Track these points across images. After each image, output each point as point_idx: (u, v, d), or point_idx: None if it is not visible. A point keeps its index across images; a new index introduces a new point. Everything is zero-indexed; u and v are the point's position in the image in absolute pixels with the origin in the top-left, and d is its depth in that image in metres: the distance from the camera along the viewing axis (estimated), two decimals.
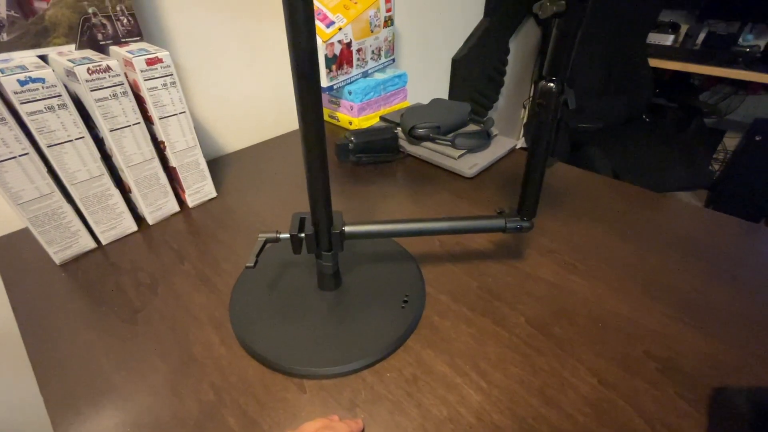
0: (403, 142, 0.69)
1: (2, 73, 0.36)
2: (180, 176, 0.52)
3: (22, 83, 0.36)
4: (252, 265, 0.34)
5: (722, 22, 1.64)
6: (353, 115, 0.77)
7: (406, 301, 0.39)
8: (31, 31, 0.42)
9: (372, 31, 0.76)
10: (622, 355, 0.35)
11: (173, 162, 0.51)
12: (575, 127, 1.17)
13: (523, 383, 0.33)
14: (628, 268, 0.44)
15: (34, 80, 0.37)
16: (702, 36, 1.66)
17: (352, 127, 0.78)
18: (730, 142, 1.82)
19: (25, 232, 0.51)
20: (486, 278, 0.43)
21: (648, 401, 0.31)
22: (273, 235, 0.36)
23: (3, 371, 0.60)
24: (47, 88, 0.38)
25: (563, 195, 0.58)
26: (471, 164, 0.63)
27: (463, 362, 0.34)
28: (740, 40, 1.57)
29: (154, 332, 0.37)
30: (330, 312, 0.38)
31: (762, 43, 1.55)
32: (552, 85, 0.29)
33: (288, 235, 0.35)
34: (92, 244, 0.47)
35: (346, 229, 0.36)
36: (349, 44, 0.72)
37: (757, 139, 1.52)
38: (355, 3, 0.73)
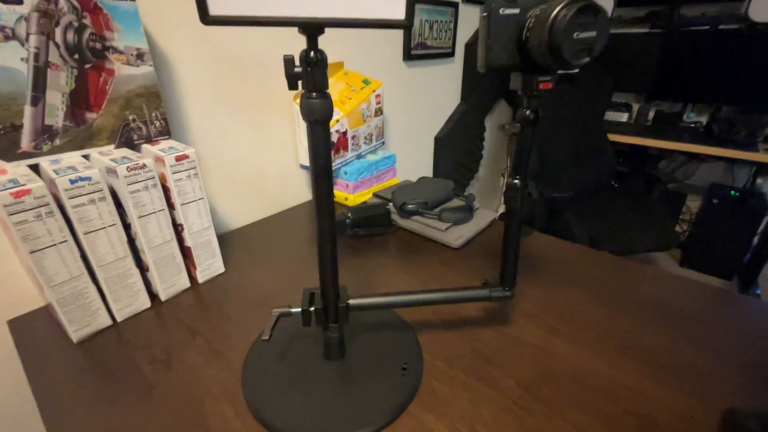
0: (395, 217, 0.76)
1: (57, 174, 0.42)
2: (193, 254, 0.57)
3: (72, 182, 0.42)
4: (267, 338, 0.38)
5: (667, 103, 1.88)
6: (349, 192, 0.85)
7: (405, 368, 0.43)
8: (81, 136, 0.49)
9: (364, 121, 0.87)
10: (603, 413, 0.39)
11: (189, 242, 0.56)
12: (550, 197, 1.28)
13: None
14: (603, 330, 0.49)
15: (82, 179, 0.43)
16: (652, 114, 1.88)
17: (348, 203, 0.85)
18: (694, 204, 1.98)
19: (40, 311, 0.53)
20: (477, 344, 0.47)
21: None
22: (285, 309, 0.40)
23: None
24: (92, 184, 0.44)
25: (543, 263, 0.64)
26: (457, 236, 0.70)
27: (461, 425, 0.37)
28: (684, 117, 1.80)
29: (170, 407, 0.39)
30: (336, 381, 0.41)
31: (703, 120, 1.77)
32: (516, 181, 0.37)
33: (299, 310, 0.40)
34: (108, 322, 0.50)
35: (351, 302, 0.41)
36: (345, 133, 0.82)
37: (715, 202, 1.67)
38: (350, 99, 0.85)
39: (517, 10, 0.29)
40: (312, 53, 0.29)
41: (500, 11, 0.29)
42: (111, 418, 0.38)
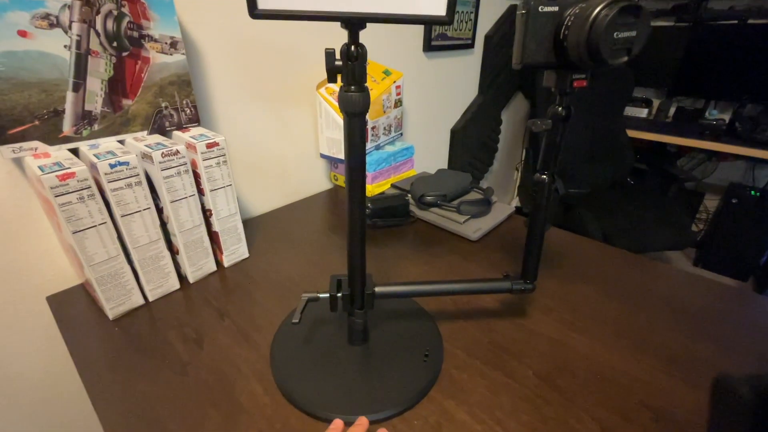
0: (414, 208, 0.77)
1: (97, 158, 0.44)
2: (220, 239, 0.59)
3: (112, 166, 0.44)
4: (297, 321, 0.40)
5: (689, 99, 1.84)
6: (367, 182, 0.86)
7: (427, 356, 0.44)
8: (117, 122, 0.51)
9: (384, 112, 0.88)
10: (620, 405, 0.40)
11: (216, 227, 0.58)
12: (566, 192, 1.28)
13: (534, 430, 0.37)
14: (619, 325, 0.50)
15: (121, 163, 0.45)
16: (672, 110, 1.85)
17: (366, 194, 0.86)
18: (711, 203, 1.95)
19: (77, 289, 0.56)
20: (495, 334, 0.49)
21: None
22: (314, 294, 0.42)
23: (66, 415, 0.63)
24: (129, 169, 0.46)
25: (560, 258, 0.65)
26: (475, 228, 0.71)
27: (480, 411, 0.39)
28: (706, 114, 1.76)
29: (203, 383, 0.41)
30: (360, 365, 0.43)
31: (726, 117, 1.73)
32: (545, 177, 0.38)
33: (327, 295, 0.41)
34: (141, 301, 0.52)
35: (377, 289, 0.42)
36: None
37: (734, 201, 1.64)
38: (371, 89, 0.85)
39: (555, 8, 0.30)
40: (353, 47, 0.30)
41: (539, 8, 0.30)
42: (149, 390, 0.41)
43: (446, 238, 0.71)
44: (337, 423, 0.35)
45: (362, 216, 0.36)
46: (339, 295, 0.41)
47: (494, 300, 0.55)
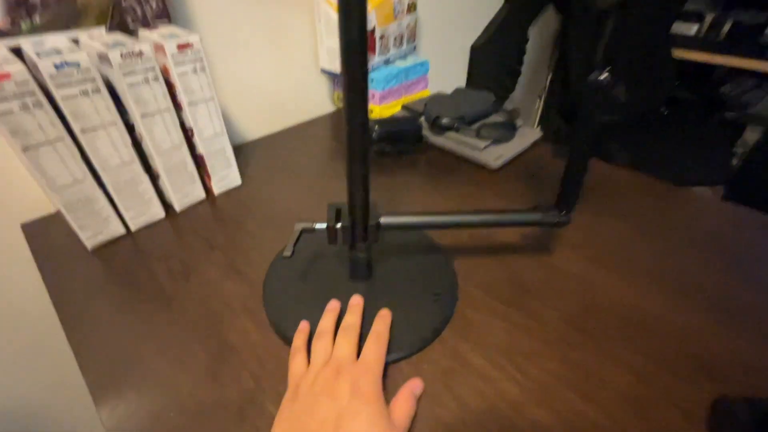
0: (427, 132, 0.68)
1: (38, 56, 0.36)
2: (207, 163, 0.52)
3: (57, 67, 0.36)
4: (290, 254, 0.34)
5: (749, 12, 1.59)
6: (374, 102, 0.76)
7: (438, 294, 0.39)
8: (63, 14, 0.41)
9: (395, 17, 0.75)
10: (656, 352, 0.35)
11: (200, 149, 0.51)
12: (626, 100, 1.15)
13: (559, 378, 0.33)
14: (653, 265, 0.44)
15: (69, 64, 0.36)
16: (727, 26, 1.60)
17: (373, 116, 0.77)
18: (751, 136, 1.78)
19: (56, 216, 0.51)
20: (516, 271, 0.43)
21: (686, 398, 0.31)
22: (309, 225, 0.36)
23: (43, 353, 0.62)
24: (81, 71, 0.37)
25: (586, 190, 0.57)
26: (496, 156, 0.62)
27: (498, 355, 0.34)
28: (767, 31, 1.52)
29: (189, 319, 0.38)
30: (363, 302, 0.38)
31: None
32: (606, 75, 0.28)
33: (324, 226, 0.35)
34: (122, 231, 0.47)
35: (382, 220, 0.36)
36: (372, 30, 0.70)
37: None
38: None
39: None
40: None
41: None
42: (129, 326, 0.37)
43: (462, 166, 0.63)
44: (333, 303, 0.37)
45: (364, 125, 0.29)
46: (338, 226, 0.35)
47: (516, 234, 0.49)
